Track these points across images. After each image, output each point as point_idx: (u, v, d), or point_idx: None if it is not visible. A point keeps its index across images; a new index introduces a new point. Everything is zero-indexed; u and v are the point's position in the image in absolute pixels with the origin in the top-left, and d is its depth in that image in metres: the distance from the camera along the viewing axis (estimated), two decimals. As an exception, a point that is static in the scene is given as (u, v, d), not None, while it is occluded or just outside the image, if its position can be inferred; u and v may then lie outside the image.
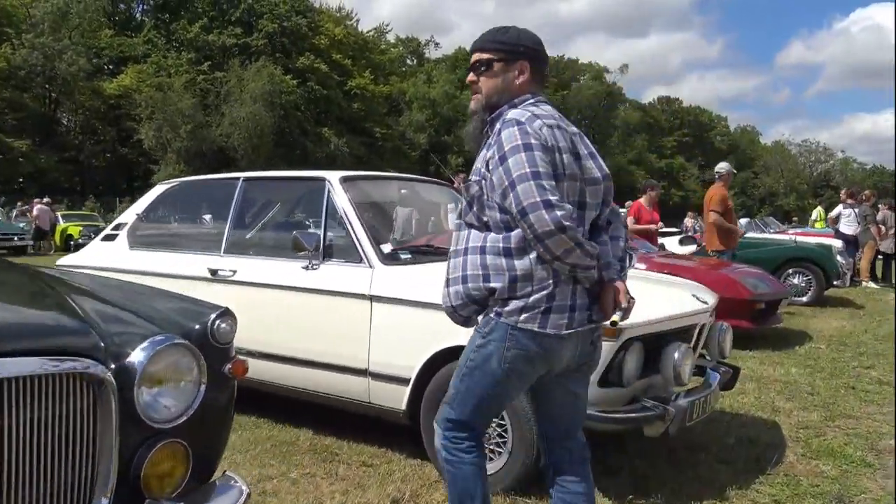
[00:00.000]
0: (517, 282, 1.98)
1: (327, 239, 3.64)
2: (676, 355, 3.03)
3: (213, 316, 1.94)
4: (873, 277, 12.53)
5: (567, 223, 1.88)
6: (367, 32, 57.57)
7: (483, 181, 2.05)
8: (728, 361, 4.01)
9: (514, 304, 1.99)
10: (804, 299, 9.30)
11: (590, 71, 69.60)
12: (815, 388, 5.11)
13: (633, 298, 2.08)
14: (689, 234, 14.51)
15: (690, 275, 6.29)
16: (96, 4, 39.53)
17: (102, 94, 36.46)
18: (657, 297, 3.27)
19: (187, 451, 1.77)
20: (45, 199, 23.05)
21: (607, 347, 2.79)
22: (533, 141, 1.96)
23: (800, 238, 11.08)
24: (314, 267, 3.59)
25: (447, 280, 2.13)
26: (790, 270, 9.52)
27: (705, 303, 3.43)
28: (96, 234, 20.18)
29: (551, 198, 1.88)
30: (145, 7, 45.84)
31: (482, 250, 2.03)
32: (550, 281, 1.97)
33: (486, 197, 2.04)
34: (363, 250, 3.50)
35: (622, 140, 68.87)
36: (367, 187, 4.15)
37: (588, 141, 2.21)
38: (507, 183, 1.94)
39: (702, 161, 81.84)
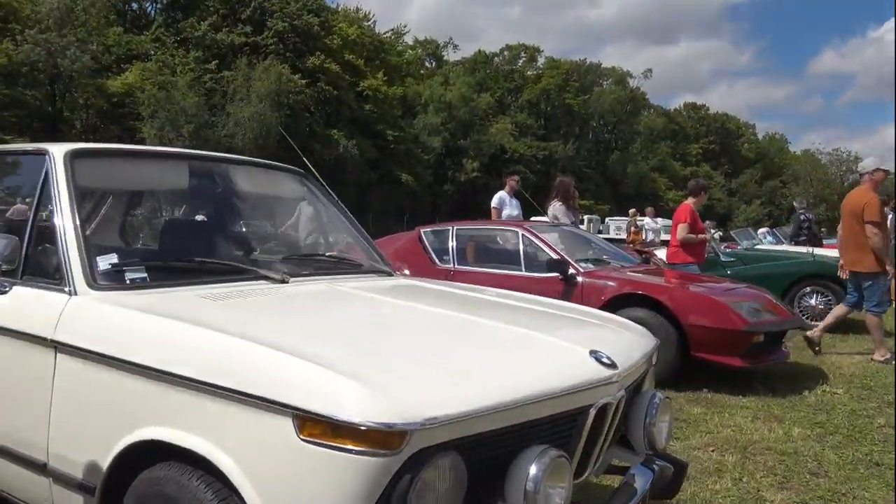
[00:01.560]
0: None
1: (30, 246, 2.32)
2: (532, 470, 1.65)
3: None
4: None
5: None
6: (385, 34, 56.53)
7: None
8: (707, 420, 2.61)
9: None
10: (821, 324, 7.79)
11: (612, 75, 67.89)
12: (824, 463, 3.67)
13: None
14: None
15: (666, 296, 4.90)
16: (104, 1, 38.82)
17: (106, 91, 35.67)
18: (503, 363, 1.89)
19: None
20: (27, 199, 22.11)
21: (376, 468, 1.43)
22: None
23: (821, 251, 9.54)
24: (2, 289, 2.27)
25: None
26: (807, 289, 8.03)
27: (610, 365, 2.01)
28: None
29: None
30: (158, 5, 45.16)
31: None
32: None
33: None
34: (68, 265, 2.17)
35: (645, 146, 67.03)
36: (112, 169, 2.79)
37: None
38: None
39: (728, 169, 79.68)
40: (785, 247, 11.71)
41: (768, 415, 4.55)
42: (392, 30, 58.21)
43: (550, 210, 7.61)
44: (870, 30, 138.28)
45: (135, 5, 44.79)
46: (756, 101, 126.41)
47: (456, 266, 6.25)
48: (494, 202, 8.49)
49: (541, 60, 66.37)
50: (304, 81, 39.41)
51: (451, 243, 6.36)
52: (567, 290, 5.52)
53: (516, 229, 6.05)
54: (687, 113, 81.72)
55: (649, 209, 16.25)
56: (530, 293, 5.79)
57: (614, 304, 5.30)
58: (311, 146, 39.11)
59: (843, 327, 8.09)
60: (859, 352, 6.92)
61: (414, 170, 46.85)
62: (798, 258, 8.48)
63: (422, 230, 6.71)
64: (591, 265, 5.75)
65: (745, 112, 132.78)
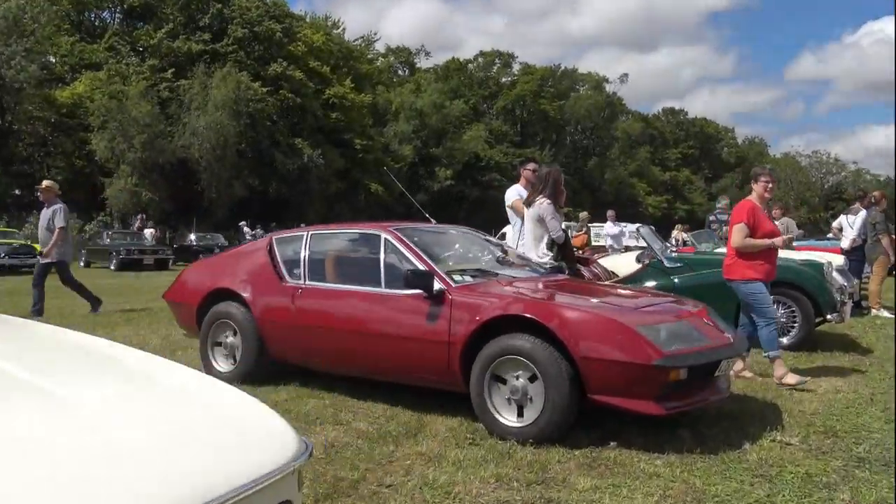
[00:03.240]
0: None
1: None
2: None
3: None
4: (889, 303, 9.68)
5: None
6: (354, 41, 55.27)
7: None
8: None
9: None
10: (784, 341, 6.46)
11: (589, 81, 66.93)
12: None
13: None
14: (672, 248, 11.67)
15: (553, 319, 3.56)
16: (55, 10, 37.26)
17: (55, 102, 34.09)
18: None
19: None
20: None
21: None
22: None
23: (786, 254, 8.19)
24: None
25: None
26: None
27: None
28: (10, 253, 17.36)
29: None
30: (116, 14, 43.59)
31: None
32: None
33: None
34: None
35: (623, 152, 65.99)
36: None
37: None
38: None
39: (708, 174, 78.90)
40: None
41: (686, 488, 3.18)
42: (362, 37, 57.00)
43: (535, 209, 5.78)
44: (846, 34, 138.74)
45: (91, 14, 43.28)
46: (738, 107, 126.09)
47: (307, 282, 4.86)
48: (512, 197, 6.76)
49: (516, 67, 65.34)
50: (265, 89, 37.98)
51: (304, 253, 4.97)
52: (432, 310, 4.15)
53: (378, 233, 4.67)
54: (665, 118, 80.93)
55: (611, 212, 14.83)
56: (389, 315, 4.44)
57: (493, 329, 3.94)
58: (273, 156, 37.71)
59: (810, 343, 6.78)
60: (829, 375, 5.58)
61: (384, 179, 45.38)
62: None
63: (274, 238, 5.32)
64: (468, 278, 4.37)
65: (729, 119, 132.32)
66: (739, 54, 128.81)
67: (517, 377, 3.86)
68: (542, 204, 5.75)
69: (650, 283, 7.08)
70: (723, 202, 12.11)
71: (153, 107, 33.45)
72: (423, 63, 63.68)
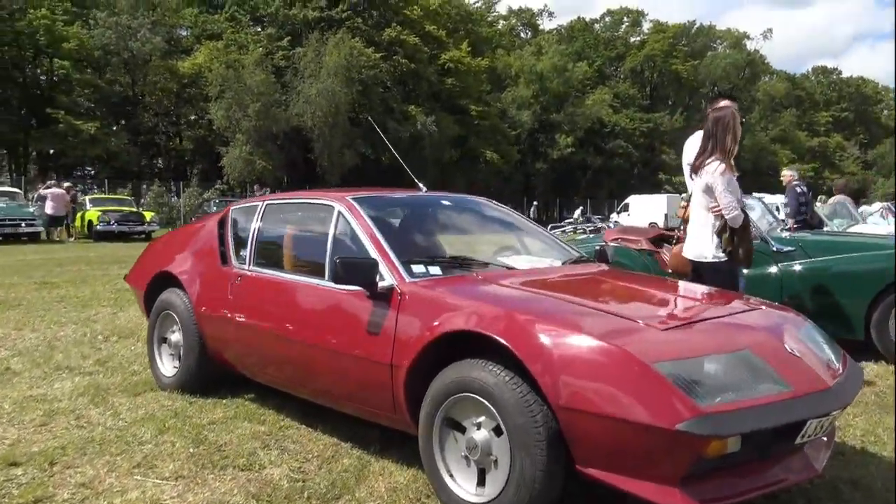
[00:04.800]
0: None
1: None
2: None
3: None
4: None
5: None
6: (474, 3, 53.63)
7: None
8: None
9: None
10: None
11: (727, 38, 61.87)
12: None
13: None
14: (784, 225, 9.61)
15: (522, 344, 2.22)
16: (180, -18, 38.39)
17: (177, 73, 35.06)
18: None
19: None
20: (63, 183, 21.26)
21: None
22: None
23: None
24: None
25: None
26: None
27: None
28: (120, 220, 17.76)
29: None
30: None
31: None
32: None
33: None
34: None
35: (764, 116, 60.73)
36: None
37: None
38: None
39: (864, 139, 71.52)
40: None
41: None
42: (482, -1, 55.17)
43: (702, 177, 3.96)
44: None
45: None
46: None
47: (250, 268, 3.72)
48: (692, 152, 4.39)
49: (646, 26, 61.37)
50: (379, 55, 37.34)
51: (253, 230, 3.83)
52: (374, 316, 2.89)
53: (331, 203, 3.43)
54: (816, 78, 73.90)
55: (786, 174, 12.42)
56: (325, 319, 3.22)
57: (456, 349, 2.64)
58: (385, 123, 37.12)
59: None
60: None
61: (500, 147, 43.92)
62: (884, 247, 5.27)
63: (232, 208, 4.20)
64: (435, 270, 3.03)
65: (890, 79, 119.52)
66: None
67: (478, 426, 2.55)
68: (713, 169, 3.88)
69: (745, 273, 5.43)
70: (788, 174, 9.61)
71: (268, 75, 33.65)
72: (546, 25, 61.20)
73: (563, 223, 7.94)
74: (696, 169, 4.06)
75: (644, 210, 32.58)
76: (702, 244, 4.07)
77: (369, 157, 37.45)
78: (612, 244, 6.14)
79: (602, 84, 55.07)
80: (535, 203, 46.97)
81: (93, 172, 35.20)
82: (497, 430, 2.47)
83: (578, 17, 60.59)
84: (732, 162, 3.98)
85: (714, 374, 2.28)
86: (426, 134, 38.41)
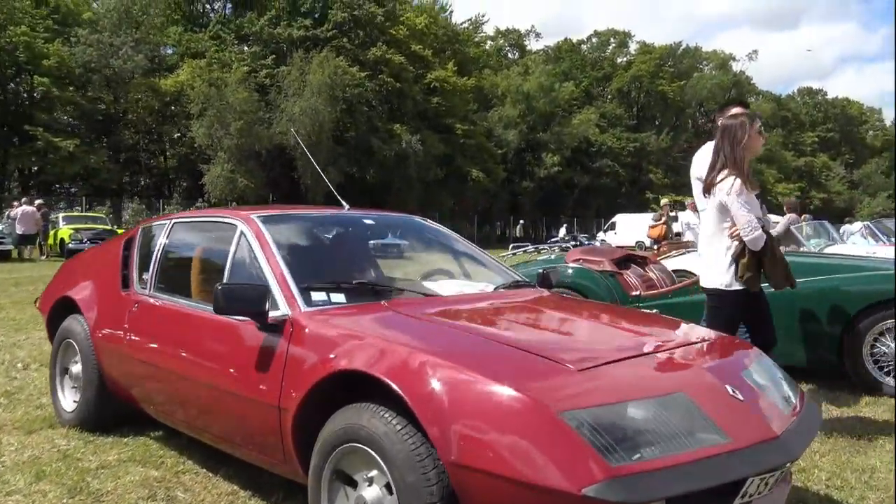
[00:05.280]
0: None
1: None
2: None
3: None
4: None
5: None
6: (461, 24, 53.72)
7: None
8: None
9: None
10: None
11: (713, 59, 62.19)
12: None
13: None
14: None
15: (411, 387, 1.84)
16: (165, 1, 38.13)
17: (159, 91, 34.71)
18: None
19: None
20: (35, 200, 20.76)
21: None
22: None
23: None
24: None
25: None
26: (887, 324, 4.57)
27: None
28: (93, 238, 17.25)
29: None
30: (226, 3, 44.16)
31: None
32: None
33: None
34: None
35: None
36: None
37: None
38: None
39: (849, 159, 71.85)
40: (881, 250, 7.97)
41: None
42: (469, 20, 55.26)
43: (715, 195, 3.45)
44: None
45: (200, 4, 44.05)
46: (890, 86, 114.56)
47: (151, 292, 3.34)
48: (702, 167, 3.80)
49: (632, 46, 61.62)
50: (364, 74, 37.14)
51: (159, 250, 3.46)
52: (263, 351, 2.52)
53: (234, 222, 3.07)
54: (801, 98, 74.35)
55: (691, 200, 12.21)
56: (215, 352, 2.85)
57: (348, 390, 2.27)
58: (369, 142, 36.89)
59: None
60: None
61: (486, 165, 43.70)
62: (872, 269, 4.94)
63: (142, 226, 3.83)
64: (338, 298, 2.66)
65: (876, 100, 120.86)
66: (891, 29, 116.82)
67: (369, 481, 2.17)
68: (726, 186, 3.39)
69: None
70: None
71: (250, 93, 33.37)
72: (533, 45, 61.39)
73: (522, 243, 7.60)
74: (708, 188, 3.53)
75: (631, 229, 32.42)
76: (716, 272, 3.53)
77: (355, 175, 37.13)
78: (574, 265, 5.80)
79: (589, 104, 55.10)
80: (521, 221, 46.77)
81: (73, 190, 34.70)
82: (390, 488, 2.10)
83: (565, 38, 60.84)
84: (748, 177, 3.45)
85: (636, 423, 1.91)
86: (411, 152, 38.15)
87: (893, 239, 10.33)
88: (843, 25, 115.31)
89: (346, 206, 3.52)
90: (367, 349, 2.24)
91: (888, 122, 77.28)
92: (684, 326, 2.89)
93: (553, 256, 6.32)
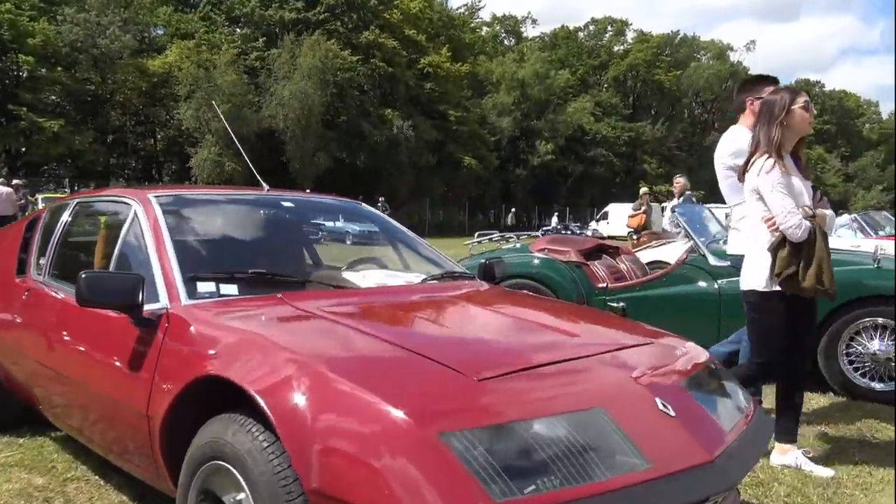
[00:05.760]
0: None
1: None
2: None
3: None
4: None
5: None
6: (457, 9, 53.16)
7: None
8: None
9: None
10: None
11: (711, 49, 61.69)
12: None
13: None
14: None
15: (272, 402, 1.48)
16: (153, -21, 37.54)
17: (147, 72, 34.18)
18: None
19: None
20: (12, 181, 20.32)
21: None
22: None
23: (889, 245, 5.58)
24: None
25: None
26: (863, 323, 4.28)
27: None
28: None
29: None
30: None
31: None
32: None
33: None
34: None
35: (747, 127, 60.54)
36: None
37: None
38: None
39: (845, 151, 71.53)
40: (865, 243, 7.66)
41: None
42: (465, 5, 54.65)
43: (750, 179, 3.03)
44: None
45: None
46: (888, 79, 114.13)
47: (44, 279, 3.01)
48: (728, 151, 3.58)
49: (630, 35, 61.08)
50: (356, 58, 36.64)
51: (58, 232, 3.13)
52: (138, 347, 2.20)
53: (129, 201, 2.74)
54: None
55: (679, 179, 11.45)
56: (90, 347, 2.53)
57: (216, 395, 1.95)
58: (360, 127, 36.43)
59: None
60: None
61: (479, 152, 43.30)
62: (851, 264, 4.63)
63: (50, 206, 3.50)
64: (233, 289, 2.34)
65: (874, 93, 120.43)
66: (890, 22, 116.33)
67: (237, 503, 1.86)
68: (756, 168, 2.98)
69: (681, 289, 4.80)
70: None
71: (239, 76, 32.89)
72: (529, 32, 60.82)
73: (488, 231, 7.29)
74: (742, 173, 3.12)
75: (624, 218, 32.07)
76: (753, 270, 3.05)
77: (344, 160, 36.71)
78: (539, 255, 5.49)
79: (584, 92, 54.63)
80: (513, 209, 46.46)
81: (60, 172, 34.24)
82: (258, 511, 1.78)
83: (562, 26, 60.30)
84: (788, 158, 3.01)
85: (535, 447, 1.60)
86: (403, 138, 37.72)
87: (892, 231, 10.08)
88: (843, 18, 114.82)
89: (266, 188, 3.19)
90: (241, 350, 1.92)
91: (885, 114, 76.99)
92: (627, 326, 2.57)
93: (519, 245, 6.00)
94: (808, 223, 2.87)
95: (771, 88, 3.34)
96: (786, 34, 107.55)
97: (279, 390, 1.71)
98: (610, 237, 29.88)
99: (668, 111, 59.20)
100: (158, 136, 37.34)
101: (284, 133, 33.92)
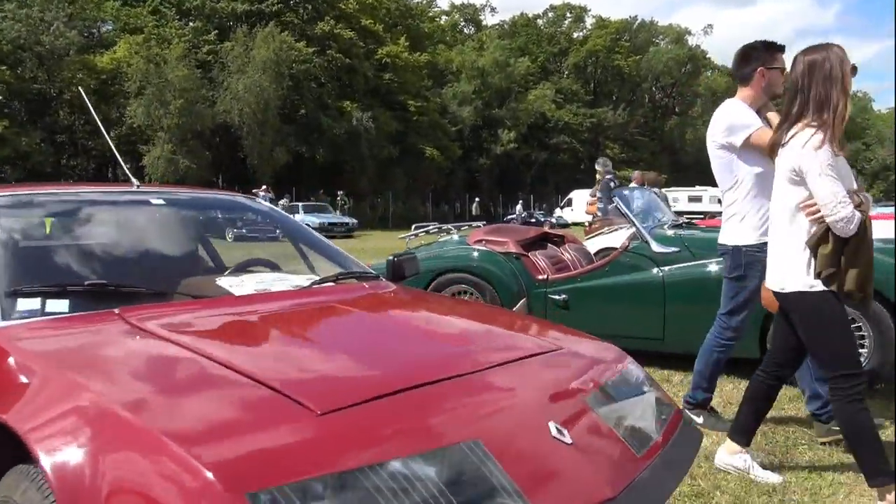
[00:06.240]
0: None
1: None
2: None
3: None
4: None
5: None
6: (415, -1, 52.56)
7: None
8: None
9: None
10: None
11: (669, 34, 61.94)
12: None
13: None
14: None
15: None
16: (99, -26, 36.42)
17: (95, 68, 33.16)
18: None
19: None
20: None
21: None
22: None
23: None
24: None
25: None
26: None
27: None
28: None
29: None
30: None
31: None
32: None
33: None
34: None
35: (706, 110, 60.85)
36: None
37: None
38: None
39: (804, 132, 72.45)
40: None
41: None
42: (423, -6, 54.11)
43: (787, 156, 2.47)
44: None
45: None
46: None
47: None
48: (724, 125, 3.21)
49: (588, 21, 61.05)
50: (311, 50, 35.97)
51: None
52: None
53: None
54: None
55: (636, 174, 11.28)
56: None
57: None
58: (319, 120, 35.82)
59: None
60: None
61: (441, 142, 42.91)
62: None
63: None
64: (64, 305, 1.96)
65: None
66: (844, 4, 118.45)
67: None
68: (802, 141, 2.41)
69: (624, 279, 4.52)
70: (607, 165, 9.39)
71: (192, 71, 32.05)
72: (488, 20, 60.47)
73: (425, 223, 7.01)
74: (773, 147, 2.55)
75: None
76: (786, 265, 2.53)
77: (304, 154, 36.07)
78: (477, 248, 5.16)
79: (545, 79, 54.49)
80: (477, 199, 46.20)
81: (7, 173, 33.09)
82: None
83: (521, 13, 60.04)
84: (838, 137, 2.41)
85: (387, 495, 1.26)
86: (363, 130, 37.19)
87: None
88: (798, 0, 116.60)
89: (137, 184, 2.80)
90: (40, 385, 1.55)
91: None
92: (533, 331, 2.24)
93: (457, 237, 5.67)
94: (859, 214, 2.36)
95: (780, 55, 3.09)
96: (743, 18, 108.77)
97: (60, 440, 1.35)
98: (574, 224, 29.78)
99: (629, 96, 59.36)
100: (111, 135, 36.32)
101: (241, 128, 33.20)
